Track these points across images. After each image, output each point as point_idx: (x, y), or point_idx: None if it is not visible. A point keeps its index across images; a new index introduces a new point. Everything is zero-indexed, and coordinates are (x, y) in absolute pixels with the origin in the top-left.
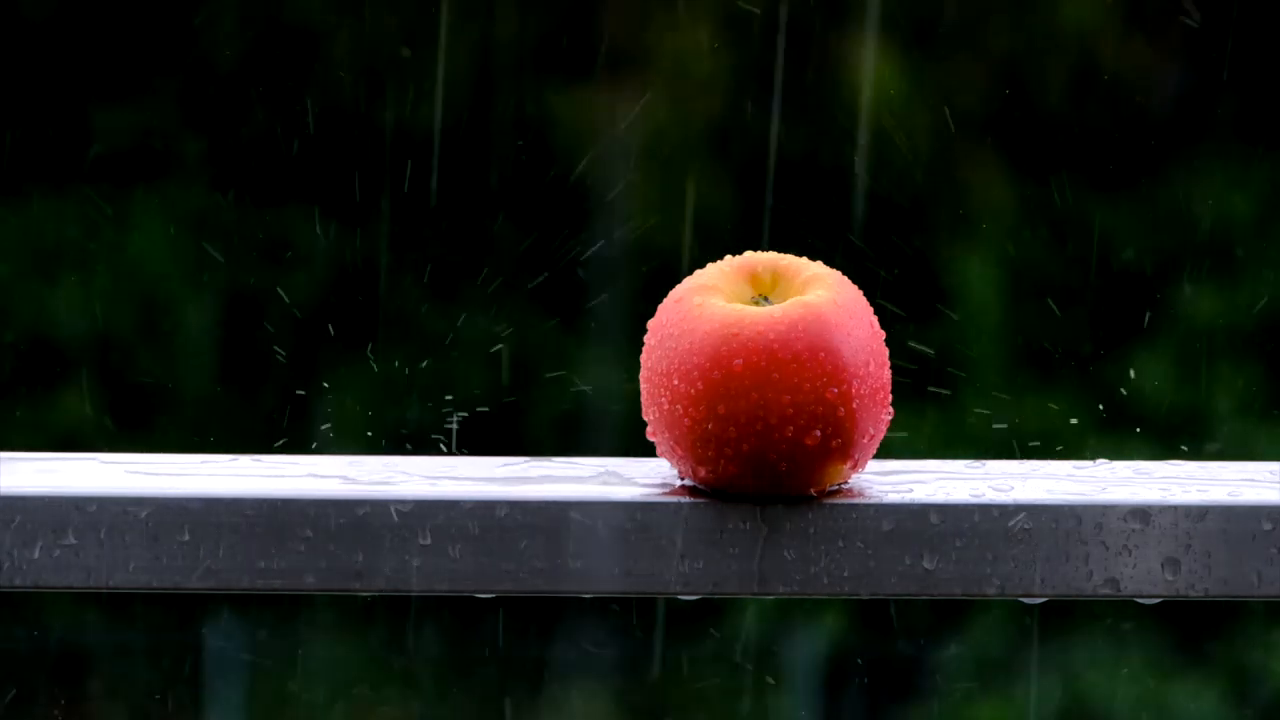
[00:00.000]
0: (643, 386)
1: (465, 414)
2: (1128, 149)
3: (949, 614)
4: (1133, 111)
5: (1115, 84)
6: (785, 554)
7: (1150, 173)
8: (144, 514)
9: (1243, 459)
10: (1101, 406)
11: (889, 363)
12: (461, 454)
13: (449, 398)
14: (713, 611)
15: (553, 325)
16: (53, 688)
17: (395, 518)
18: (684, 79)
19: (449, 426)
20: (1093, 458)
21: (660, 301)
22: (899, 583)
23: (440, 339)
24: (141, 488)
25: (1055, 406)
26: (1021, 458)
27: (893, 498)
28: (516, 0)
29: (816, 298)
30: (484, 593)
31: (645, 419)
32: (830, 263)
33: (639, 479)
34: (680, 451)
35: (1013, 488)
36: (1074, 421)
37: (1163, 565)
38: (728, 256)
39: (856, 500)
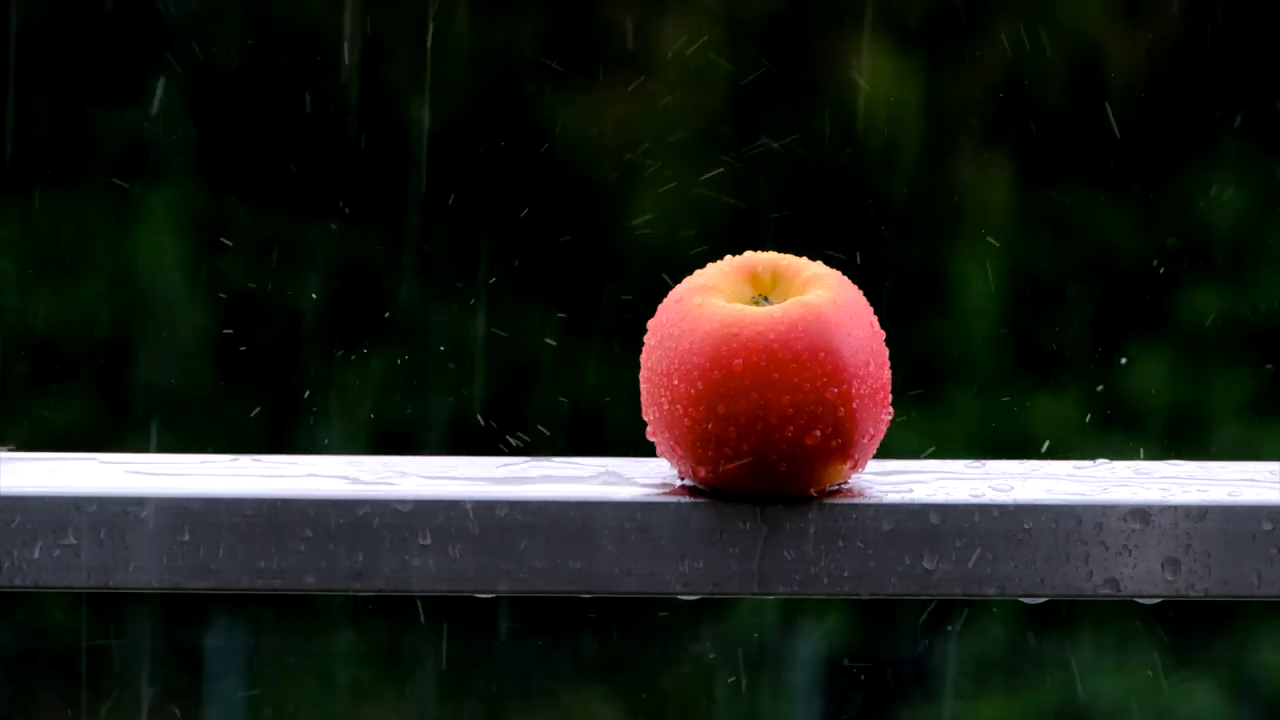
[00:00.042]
0: (643, 386)
1: (465, 414)
2: (1128, 149)
3: (949, 614)
4: (1134, 111)
5: (1116, 83)
6: (785, 554)
7: (1151, 172)
8: (144, 514)
9: (1243, 459)
10: (1101, 406)
11: (889, 363)
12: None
13: (449, 398)
14: (713, 611)
15: (552, 325)
16: (53, 688)
17: (395, 518)
18: (684, 79)
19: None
20: (1093, 458)
21: (660, 301)
22: (899, 583)
23: (440, 339)
24: (141, 488)
25: (1055, 406)
26: (1021, 458)
27: (893, 498)
28: None
29: (816, 298)
30: (484, 593)
31: (645, 419)
32: (830, 263)
33: (639, 479)
34: (680, 451)
35: (1013, 488)
36: (1074, 421)
37: (1163, 565)
38: (728, 256)
39: (856, 500)
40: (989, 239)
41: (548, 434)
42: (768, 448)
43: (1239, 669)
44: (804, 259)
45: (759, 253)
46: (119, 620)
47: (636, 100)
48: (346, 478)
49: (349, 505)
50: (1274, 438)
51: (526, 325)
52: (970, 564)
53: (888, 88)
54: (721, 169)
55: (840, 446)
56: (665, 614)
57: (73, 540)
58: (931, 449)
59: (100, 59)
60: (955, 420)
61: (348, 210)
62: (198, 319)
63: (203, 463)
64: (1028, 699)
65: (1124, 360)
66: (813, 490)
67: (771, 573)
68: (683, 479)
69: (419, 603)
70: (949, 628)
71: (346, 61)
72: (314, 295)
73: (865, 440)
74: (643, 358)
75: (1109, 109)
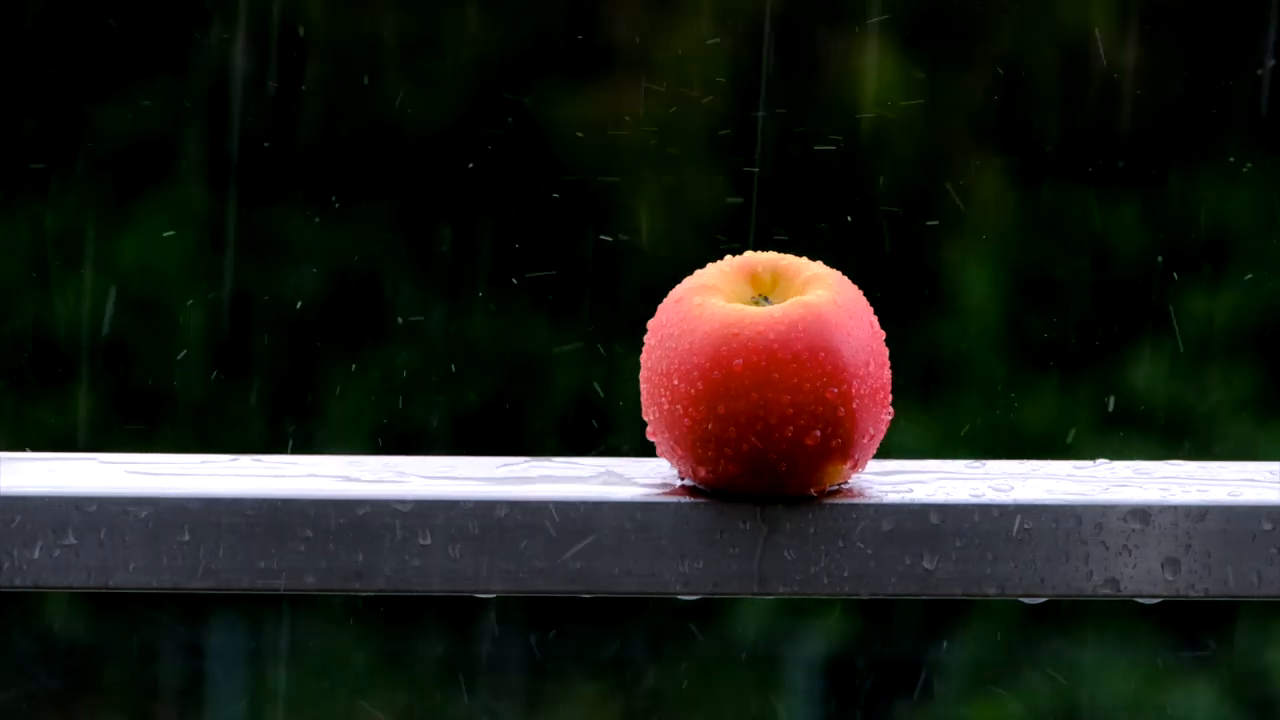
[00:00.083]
0: (643, 386)
1: (466, 414)
2: (1128, 149)
3: (949, 614)
4: (1133, 111)
5: (1115, 83)
6: (785, 554)
7: (1150, 172)
8: (144, 514)
9: (1243, 459)
10: (1101, 406)
11: (889, 362)
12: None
13: (449, 397)
14: (712, 611)
15: (553, 325)
16: (53, 688)
17: (395, 518)
18: (684, 79)
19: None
20: (1093, 458)
21: (660, 301)
22: (899, 583)
23: (440, 339)
24: (141, 488)
25: (1055, 406)
26: (1021, 458)
27: (893, 498)
28: None
29: (816, 298)
30: (484, 593)
31: (645, 419)
32: (830, 262)
33: (639, 479)
34: (680, 451)
35: (1013, 488)
36: (1074, 421)
37: (1163, 565)
38: (728, 256)
39: (856, 500)
40: (989, 239)
41: (547, 434)
42: (768, 448)
43: (1239, 669)
44: (804, 259)
45: (759, 253)
46: (119, 620)
47: (636, 100)
48: (346, 478)
49: (349, 505)
50: (1274, 438)
51: (526, 325)
52: (970, 564)
53: (888, 88)
54: (721, 169)
55: (840, 446)
56: (665, 614)
57: (73, 540)
58: (931, 450)
59: (100, 58)
60: (955, 420)
61: (348, 211)
62: (198, 319)
63: (203, 463)
64: (1028, 699)
65: (1124, 360)
66: (813, 490)
67: (771, 573)
68: (683, 479)
69: (419, 602)
70: (949, 628)
71: (347, 61)
72: (314, 296)
73: (865, 440)
74: (643, 358)
75: (1109, 109)
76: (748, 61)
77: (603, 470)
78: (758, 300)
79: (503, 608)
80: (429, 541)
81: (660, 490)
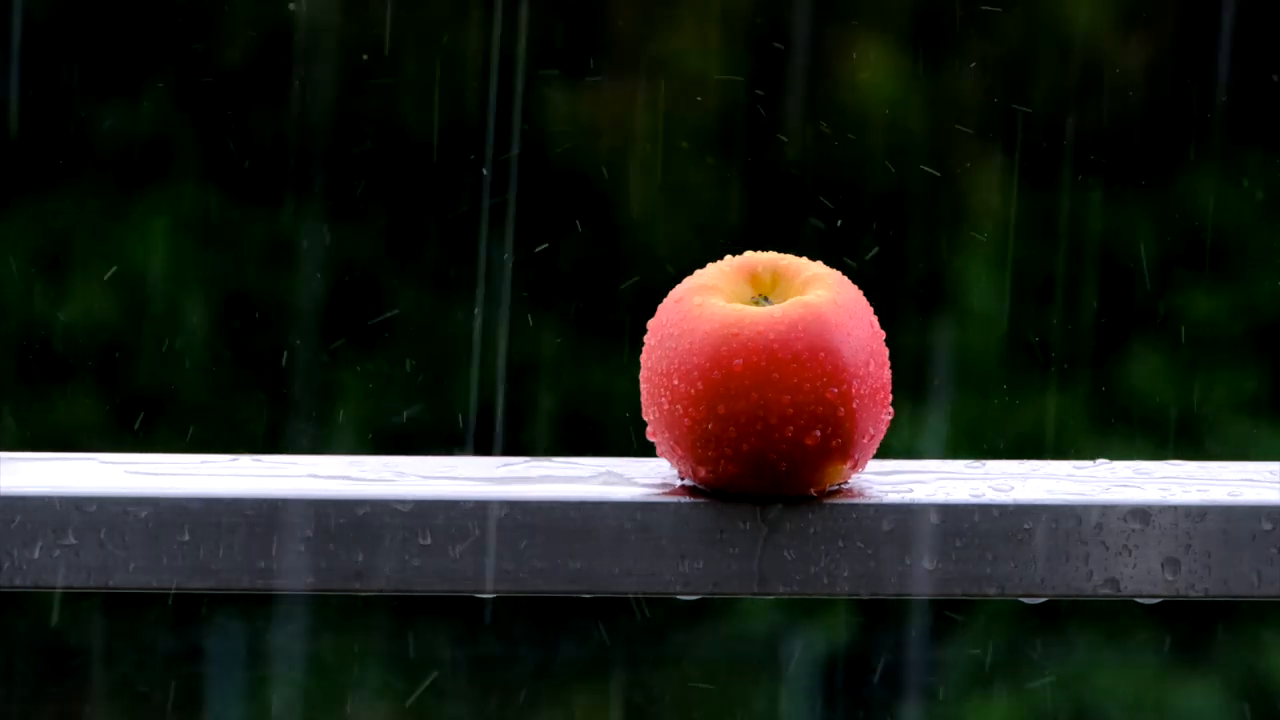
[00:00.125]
0: (643, 386)
1: (465, 414)
2: (1128, 148)
3: (949, 614)
4: (1133, 111)
5: (1116, 83)
6: (785, 554)
7: (1150, 172)
8: (144, 514)
9: (1243, 459)
10: (1101, 406)
11: (889, 363)
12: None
13: (449, 398)
14: (712, 611)
15: (553, 325)
16: (53, 688)
17: (395, 518)
18: (684, 78)
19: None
20: (1093, 458)
21: (660, 301)
22: (899, 583)
23: (440, 339)
24: (141, 488)
25: (1055, 406)
26: (1021, 458)
27: (893, 498)
28: None
29: (816, 298)
30: (484, 593)
31: (645, 419)
32: (829, 262)
33: (639, 479)
34: (680, 451)
35: (1013, 488)
36: (1074, 421)
37: (1163, 565)
38: (728, 256)
39: (856, 500)
40: (989, 239)
41: (547, 434)
42: (768, 448)
43: (1239, 669)
44: (804, 259)
45: (759, 253)
46: (119, 620)
47: (636, 100)
48: (346, 478)
49: (349, 505)
50: (1274, 438)
51: (526, 325)
52: (970, 564)
53: (889, 87)
54: (721, 169)
55: (840, 446)
56: (665, 614)
57: (73, 540)
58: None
59: (100, 58)
60: (955, 420)
61: (348, 211)
62: (198, 319)
63: (203, 463)
64: (1028, 699)
65: (1124, 360)
66: (813, 490)
67: (771, 573)
68: (683, 479)
69: (422, 602)
70: (949, 628)
71: (347, 61)
72: (314, 296)
73: (865, 440)
74: (643, 358)
75: (1110, 108)
76: (748, 61)
77: (603, 470)
78: (758, 300)
79: (503, 608)
80: (429, 541)
81: (660, 490)
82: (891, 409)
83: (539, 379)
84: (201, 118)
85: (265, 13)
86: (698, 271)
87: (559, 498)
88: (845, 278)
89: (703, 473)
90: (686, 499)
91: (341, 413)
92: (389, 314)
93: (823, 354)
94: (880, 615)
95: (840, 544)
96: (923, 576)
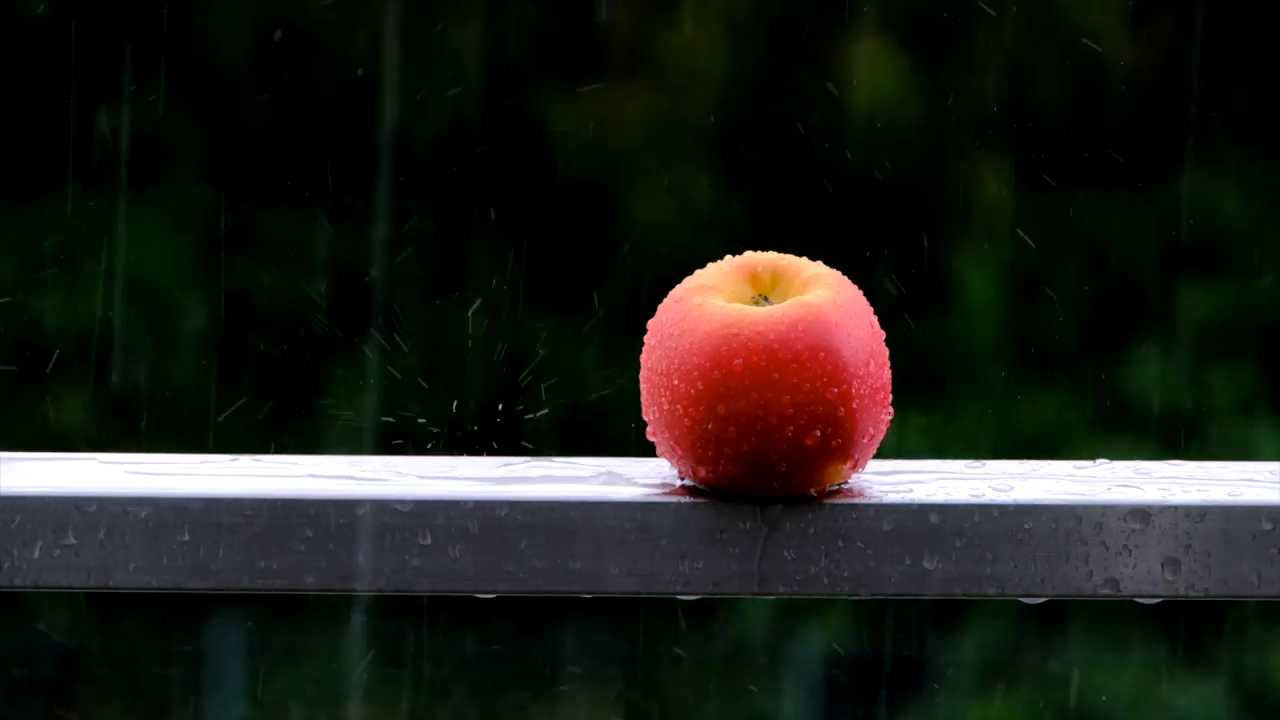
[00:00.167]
0: (643, 386)
1: (465, 414)
2: (1129, 148)
3: (949, 614)
4: (1134, 110)
5: (1116, 83)
6: (785, 554)
7: (1150, 172)
8: (144, 514)
9: (1243, 459)
10: (1101, 406)
11: (889, 363)
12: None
13: (449, 398)
14: (712, 611)
15: (553, 325)
16: (52, 688)
17: (395, 518)
18: (684, 79)
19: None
20: (1093, 458)
21: (660, 301)
22: (899, 583)
23: (440, 339)
24: (141, 488)
25: (1055, 406)
26: (1021, 458)
27: (893, 498)
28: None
29: (816, 298)
30: (484, 593)
31: (645, 419)
32: (829, 262)
33: (639, 479)
34: (680, 451)
35: (1013, 488)
36: (1074, 421)
37: (1163, 565)
38: (728, 256)
39: (856, 500)
40: (990, 239)
41: (547, 433)
42: (768, 448)
43: (1239, 669)
44: (804, 259)
45: (759, 252)
46: (119, 620)
47: (636, 100)
48: (346, 477)
49: (349, 505)
50: (1274, 438)
51: (526, 325)
52: (970, 564)
53: (889, 87)
54: (721, 169)
55: (840, 446)
56: (665, 614)
57: (73, 540)
58: (931, 449)
59: (100, 59)
60: (955, 420)
61: (348, 211)
62: (198, 319)
63: (203, 463)
64: (1028, 699)
65: (1124, 360)
66: (813, 490)
67: (771, 573)
68: (683, 479)
69: (420, 602)
70: (949, 628)
71: (348, 61)
72: (315, 296)
73: (865, 440)
74: (643, 358)
75: (1110, 108)
76: (747, 61)
77: (603, 470)
78: (758, 300)
79: (503, 608)
80: (429, 541)
81: (660, 490)
82: (891, 409)
83: (539, 379)
84: (201, 118)
85: (265, 12)
86: (698, 271)
87: (559, 498)
88: (845, 278)
89: (703, 473)
90: (686, 499)
91: (341, 412)
92: (389, 314)
93: (823, 354)
94: (880, 615)
95: (840, 544)
96: (923, 576)
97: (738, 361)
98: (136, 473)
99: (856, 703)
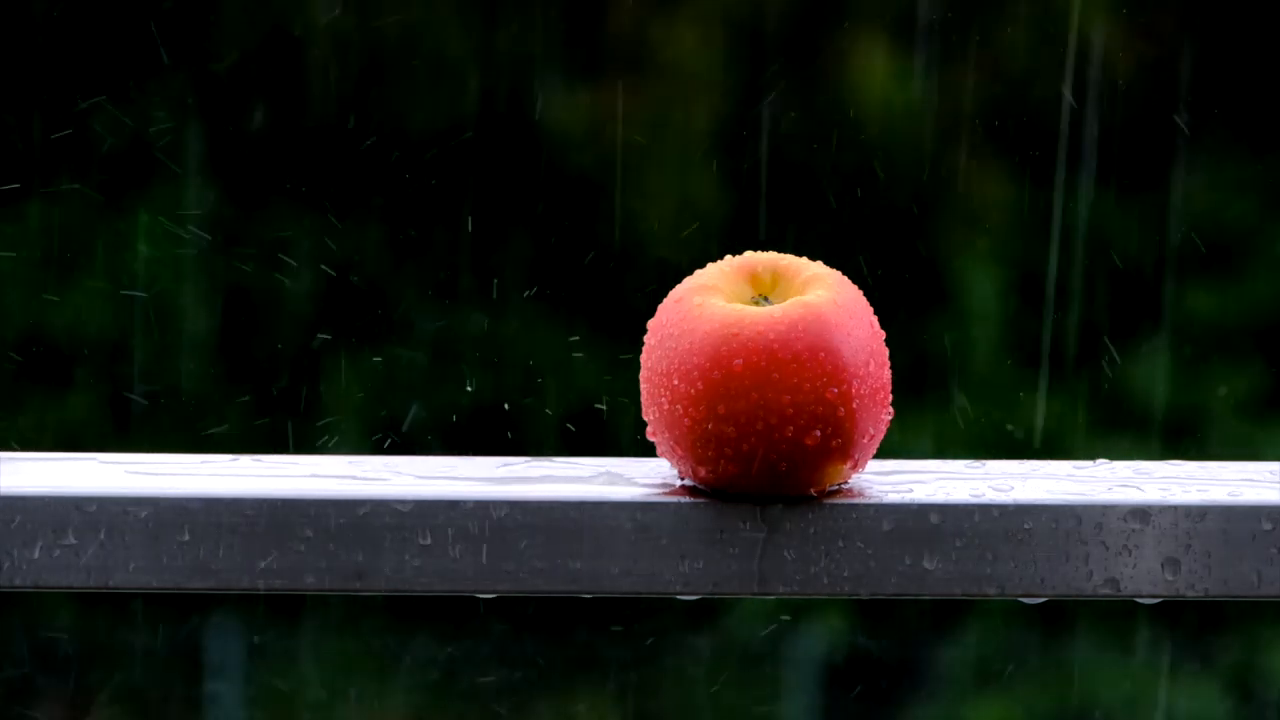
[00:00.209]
0: (643, 386)
1: (465, 414)
2: (1129, 148)
3: (949, 614)
4: (1134, 111)
5: (1116, 83)
6: (785, 554)
7: (1150, 172)
8: (144, 514)
9: (1243, 459)
10: (1101, 406)
11: (889, 363)
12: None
13: (449, 398)
14: (712, 611)
15: (553, 325)
16: (53, 688)
17: (395, 518)
18: (684, 79)
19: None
20: (1093, 458)
21: (660, 301)
22: (899, 583)
23: (440, 339)
24: (141, 488)
25: (1055, 406)
26: (1021, 458)
27: (893, 498)
28: (518, 0)
29: (816, 298)
30: (484, 593)
31: (645, 419)
32: (830, 263)
33: (639, 479)
34: (680, 451)
35: (1013, 488)
36: (1074, 421)
37: (1163, 565)
38: (728, 256)
39: (856, 500)
40: (990, 239)
41: (547, 434)
42: (768, 448)
43: (1239, 669)
44: (804, 259)
45: (759, 253)
46: (119, 620)
47: (637, 100)
48: (346, 477)
49: (349, 505)
50: (1274, 438)
51: (525, 326)
52: (970, 564)
53: (889, 87)
54: (721, 169)
55: (840, 446)
56: (665, 614)
57: (73, 540)
58: (930, 449)
59: (100, 58)
60: (955, 420)
61: (348, 211)
62: (198, 318)
63: (203, 463)
64: (1028, 699)
65: (1124, 360)
66: (813, 490)
67: (771, 573)
68: (683, 479)
69: (420, 602)
70: (949, 628)
71: (347, 61)
72: (314, 296)
73: (865, 440)
74: (643, 358)
75: (1110, 107)
76: (748, 61)
77: (603, 470)
78: (758, 300)
79: (503, 608)
80: (429, 541)
81: (660, 490)
82: (891, 409)
83: (539, 378)
84: (202, 117)
85: (265, 12)
86: (698, 271)
87: (559, 498)
88: (845, 278)
89: (703, 473)
90: (686, 499)
91: (341, 413)
92: (389, 313)
93: (823, 354)
94: (880, 615)
95: (840, 544)
96: (922, 576)
97: (738, 361)
98: (136, 473)
99: (856, 702)
